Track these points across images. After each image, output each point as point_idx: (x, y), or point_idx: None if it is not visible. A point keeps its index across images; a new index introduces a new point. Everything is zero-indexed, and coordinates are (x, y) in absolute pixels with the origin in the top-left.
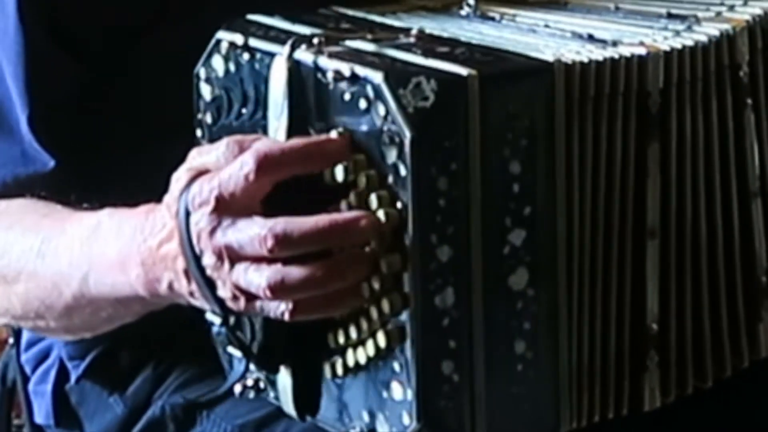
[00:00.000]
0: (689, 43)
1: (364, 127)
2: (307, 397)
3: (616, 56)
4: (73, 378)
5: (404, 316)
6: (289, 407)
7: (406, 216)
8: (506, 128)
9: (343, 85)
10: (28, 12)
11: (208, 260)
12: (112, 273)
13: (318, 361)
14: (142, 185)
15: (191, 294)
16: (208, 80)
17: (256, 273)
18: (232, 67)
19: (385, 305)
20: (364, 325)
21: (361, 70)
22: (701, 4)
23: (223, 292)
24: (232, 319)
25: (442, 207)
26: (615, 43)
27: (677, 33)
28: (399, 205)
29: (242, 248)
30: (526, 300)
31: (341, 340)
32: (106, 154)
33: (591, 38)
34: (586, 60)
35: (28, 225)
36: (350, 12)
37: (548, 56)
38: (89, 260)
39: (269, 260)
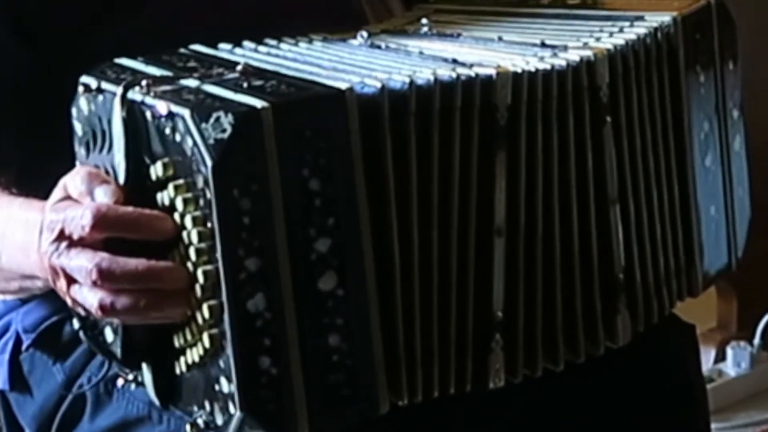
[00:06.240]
0: (546, 66)
1: (181, 157)
2: (166, 389)
3: (463, 75)
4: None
5: (223, 320)
6: (154, 398)
7: (215, 233)
8: (303, 150)
9: (163, 120)
10: None
11: (50, 276)
12: (18, 254)
13: (170, 358)
14: None
15: None
16: (77, 118)
17: (90, 293)
18: (93, 107)
19: (206, 311)
20: (194, 328)
21: (175, 108)
22: (582, 35)
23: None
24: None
25: (246, 224)
26: (471, 66)
27: (541, 59)
28: (209, 224)
29: (72, 274)
30: (336, 299)
31: (181, 341)
32: (44, 140)
33: (454, 62)
34: (432, 79)
35: None
36: (204, 50)
37: (344, 85)
38: (2, 240)
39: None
